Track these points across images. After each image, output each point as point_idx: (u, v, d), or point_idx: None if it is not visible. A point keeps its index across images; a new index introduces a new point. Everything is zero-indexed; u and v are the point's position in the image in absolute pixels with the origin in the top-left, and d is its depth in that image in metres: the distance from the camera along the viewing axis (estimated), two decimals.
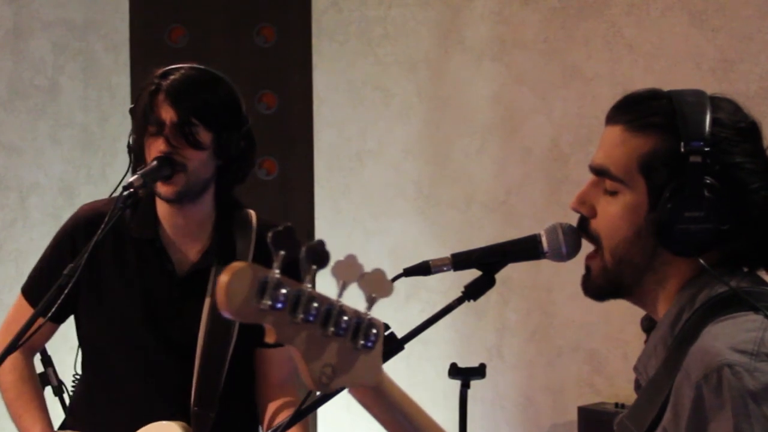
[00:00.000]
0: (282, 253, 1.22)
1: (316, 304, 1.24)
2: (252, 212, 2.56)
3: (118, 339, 2.50)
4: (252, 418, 2.56)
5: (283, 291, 1.21)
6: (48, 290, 2.21)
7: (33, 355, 2.64)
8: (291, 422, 1.71)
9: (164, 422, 2.41)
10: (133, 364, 2.49)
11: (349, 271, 1.27)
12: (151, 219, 2.50)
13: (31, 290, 2.54)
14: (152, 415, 2.42)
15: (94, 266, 2.47)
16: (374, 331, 1.31)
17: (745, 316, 1.52)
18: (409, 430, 1.47)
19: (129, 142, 2.47)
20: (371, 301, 1.30)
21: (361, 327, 1.30)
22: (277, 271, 1.21)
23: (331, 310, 1.26)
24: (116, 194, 2.34)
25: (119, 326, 2.50)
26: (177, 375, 2.45)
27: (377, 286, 1.31)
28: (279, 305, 1.20)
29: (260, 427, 2.56)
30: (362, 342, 1.30)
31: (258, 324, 1.22)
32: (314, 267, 1.24)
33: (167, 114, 2.38)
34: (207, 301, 2.45)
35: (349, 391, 1.44)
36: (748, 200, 1.57)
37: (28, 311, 2.43)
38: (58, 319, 2.56)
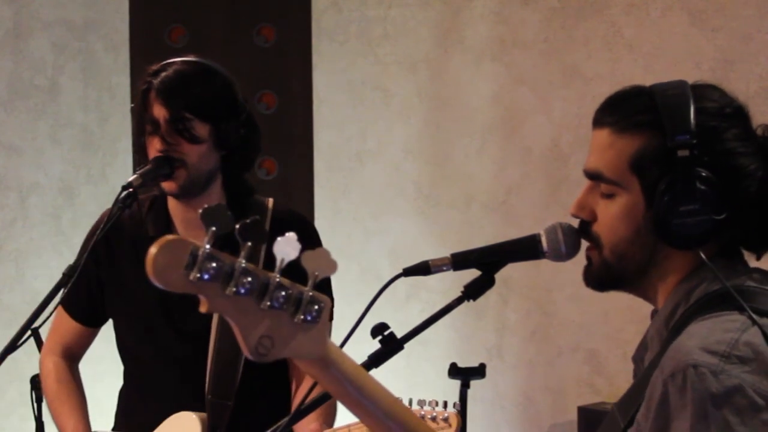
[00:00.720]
0: (213, 229, 1.27)
1: (249, 279, 1.28)
2: (270, 199, 2.57)
3: (142, 337, 2.56)
4: (277, 407, 2.51)
5: (214, 264, 1.25)
6: (79, 294, 2.32)
7: (74, 360, 2.68)
8: (290, 422, 1.70)
9: (183, 413, 2.44)
10: (157, 358, 2.55)
11: (289, 249, 1.29)
12: (163, 217, 2.53)
13: (66, 297, 2.56)
14: (176, 406, 2.46)
15: (116, 269, 2.54)
16: (316, 307, 1.35)
17: (728, 315, 1.51)
18: (362, 402, 1.47)
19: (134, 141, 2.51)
20: (313, 278, 1.33)
21: (302, 302, 1.33)
22: (208, 245, 1.25)
23: (268, 285, 1.30)
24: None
25: (141, 323, 2.55)
26: (194, 366, 2.48)
27: (320, 263, 1.34)
28: (207, 277, 1.24)
29: None
30: (302, 316, 1.34)
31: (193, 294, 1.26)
32: (249, 244, 1.28)
33: (160, 112, 2.40)
34: None
35: (297, 363, 1.48)
36: (747, 183, 1.57)
37: (64, 316, 2.58)
38: (92, 323, 2.63)
